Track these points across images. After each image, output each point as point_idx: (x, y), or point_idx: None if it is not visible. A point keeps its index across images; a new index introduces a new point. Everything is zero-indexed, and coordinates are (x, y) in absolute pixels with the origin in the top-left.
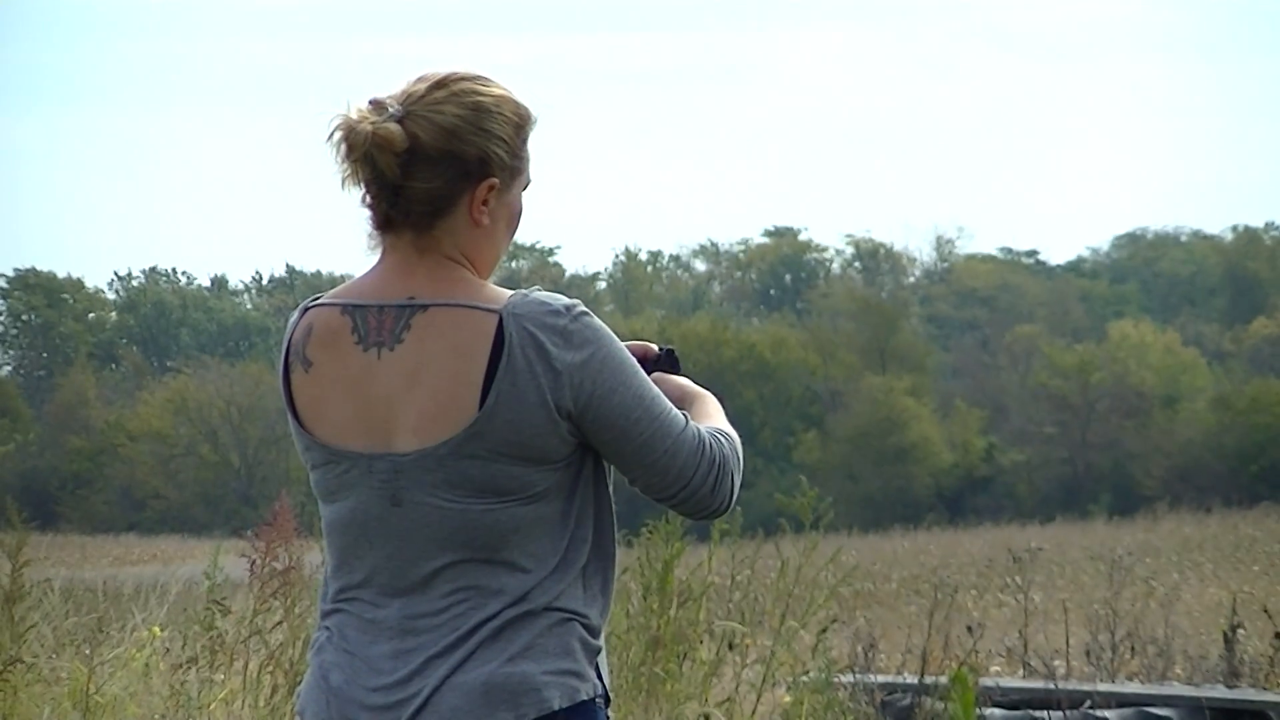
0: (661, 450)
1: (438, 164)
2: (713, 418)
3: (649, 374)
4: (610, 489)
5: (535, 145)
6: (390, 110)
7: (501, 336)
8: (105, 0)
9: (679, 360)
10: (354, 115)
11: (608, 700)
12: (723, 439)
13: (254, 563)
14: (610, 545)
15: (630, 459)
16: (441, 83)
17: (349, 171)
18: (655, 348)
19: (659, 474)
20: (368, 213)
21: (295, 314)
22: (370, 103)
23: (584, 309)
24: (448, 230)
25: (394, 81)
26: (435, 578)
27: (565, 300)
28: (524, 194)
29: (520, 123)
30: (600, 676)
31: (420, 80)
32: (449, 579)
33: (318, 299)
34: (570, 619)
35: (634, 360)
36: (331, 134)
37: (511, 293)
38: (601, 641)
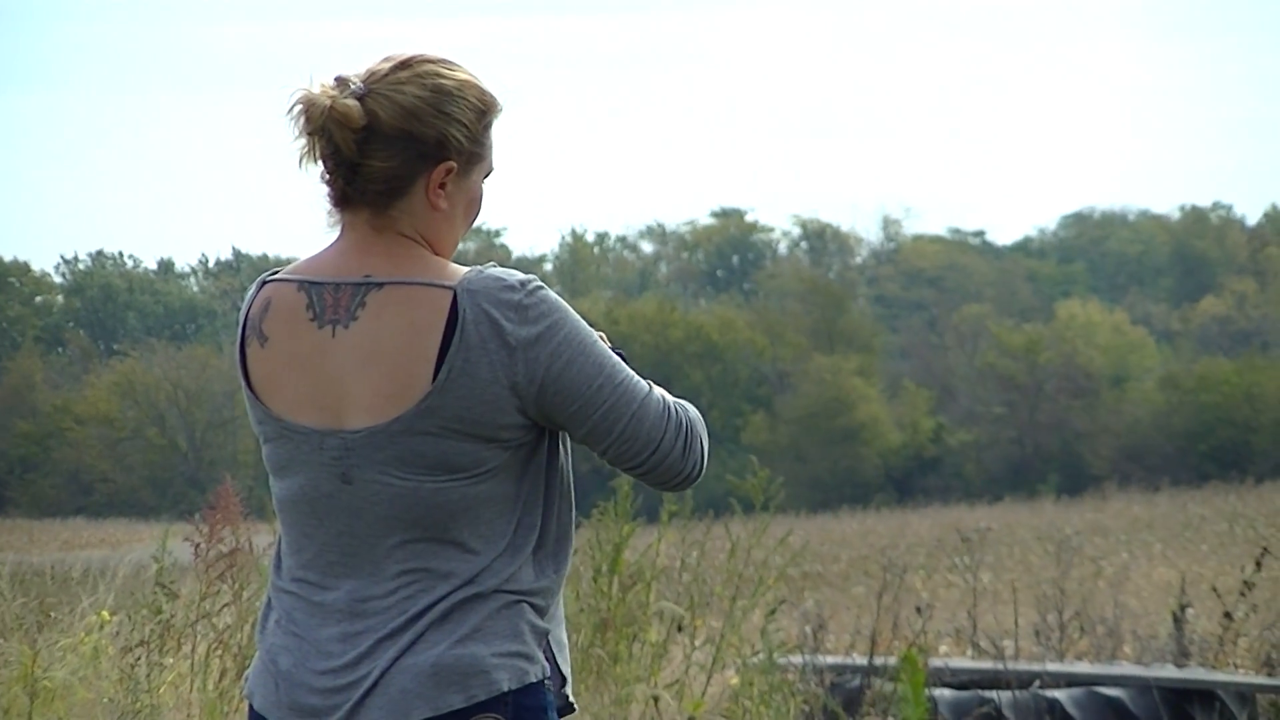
0: (629, 415)
1: (395, 143)
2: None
3: None
4: (569, 475)
5: (496, 131)
6: (352, 87)
7: (456, 313)
8: None
9: (629, 361)
10: (316, 90)
11: (564, 680)
12: (687, 405)
13: (198, 546)
14: (565, 529)
15: (597, 428)
16: (406, 63)
17: (306, 147)
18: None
19: (628, 441)
20: (326, 189)
21: (253, 287)
22: (335, 79)
23: (539, 283)
24: (405, 211)
25: (340, 66)
26: (385, 558)
27: (520, 275)
28: (485, 181)
29: (483, 109)
30: (555, 659)
31: (385, 60)
32: (398, 560)
33: (275, 273)
34: (519, 601)
35: (591, 330)
36: (291, 107)
37: (467, 269)
38: (549, 623)
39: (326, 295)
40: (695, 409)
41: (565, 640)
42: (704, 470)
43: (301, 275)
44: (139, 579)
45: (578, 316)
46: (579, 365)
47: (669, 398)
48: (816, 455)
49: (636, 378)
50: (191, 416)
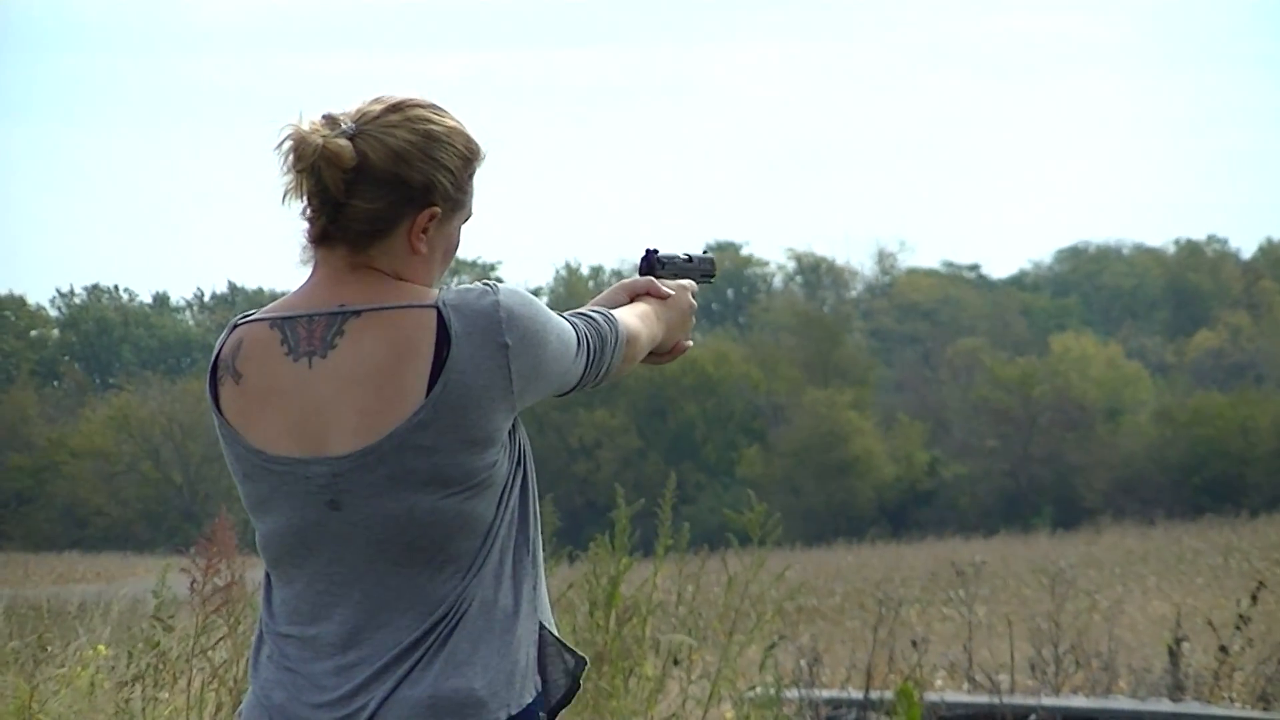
0: (578, 376)
1: (382, 185)
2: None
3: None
4: (535, 490)
5: (481, 174)
6: (343, 126)
7: (444, 328)
8: (43, 15)
9: (657, 263)
10: (306, 127)
11: (580, 666)
12: (597, 321)
13: (194, 580)
14: (539, 548)
15: (559, 388)
16: (397, 106)
17: (293, 183)
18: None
19: (570, 385)
20: (305, 225)
21: (224, 331)
22: (324, 117)
23: (499, 283)
24: (384, 251)
25: (331, 98)
26: (376, 585)
27: (480, 284)
28: (463, 227)
29: (469, 157)
30: (543, 672)
31: (376, 101)
32: (390, 586)
33: (247, 315)
34: (511, 623)
35: (544, 308)
36: (281, 143)
37: (436, 290)
38: (540, 616)
39: (300, 328)
40: (609, 320)
41: (552, 617)
42: (612, 368)
43: (273, 313)
44: (134, 613)
45: (535, 300)
46: (553, 349)
47: (584, 328)
48: (811, 488)
49: (580, 334)
50: (186, 450)
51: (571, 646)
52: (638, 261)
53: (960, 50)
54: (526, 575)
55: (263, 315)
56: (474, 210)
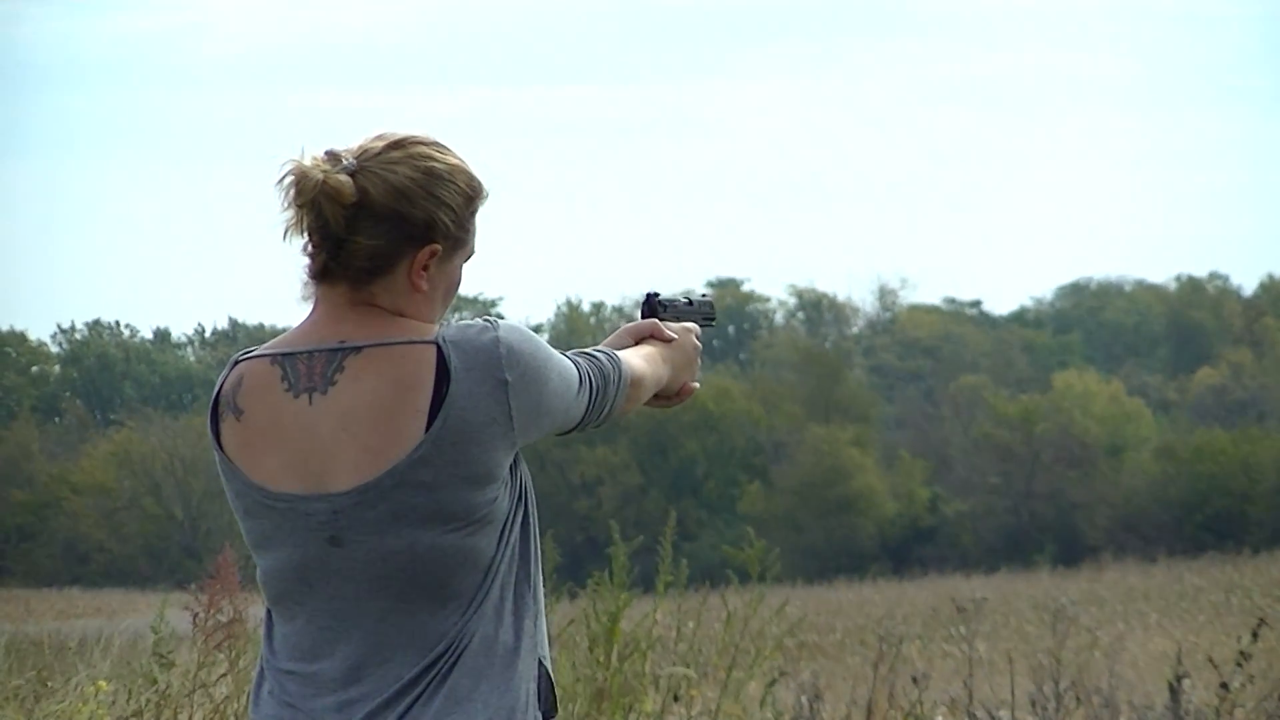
0: (581, 415)
1: (383, 222)
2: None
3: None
4: (536, 527)
5: (483, 215)
6: (344, 162)
7: (444, 364)
8: (41, 51)
9: (659, 306)
10: (307, 162)
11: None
12: (601, 360)
13: (196, 615)
14: (540, 584)
15: (561, 425)
16: (399, 143)
17: (294, 219)
18: (643, 300)
19: (572, 424)
20: (306, 261)
21: (226, 368)
22: (326, 153)
23: (499, 319)
24: (385, 288)
25: (334, 134)
26: (378, 622)
27: (480, 320)
28: (465, 265)
29: (471, 195)
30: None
31: (379, 138)
32: (391, 622)
33: (248, 352)
34: (511, 659)
35: (546, 345)
36: (282, 178)
37: (436, 326)
38: (539, 651)
39: (300, 365)
40: (613, 360)
41: (549, 655)
42: (615, 408)
43: (273, 350)
44: (135, 649)
45: (535, 337)
46: (554, 386)
47: (587, 369)
48: (812, 525)
49: (583, 372)
50: (187, 486)
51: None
52: (639, 301)
53: (961, 86)
54: (528, 611)
55: (264, 351)
56: (476, 248)
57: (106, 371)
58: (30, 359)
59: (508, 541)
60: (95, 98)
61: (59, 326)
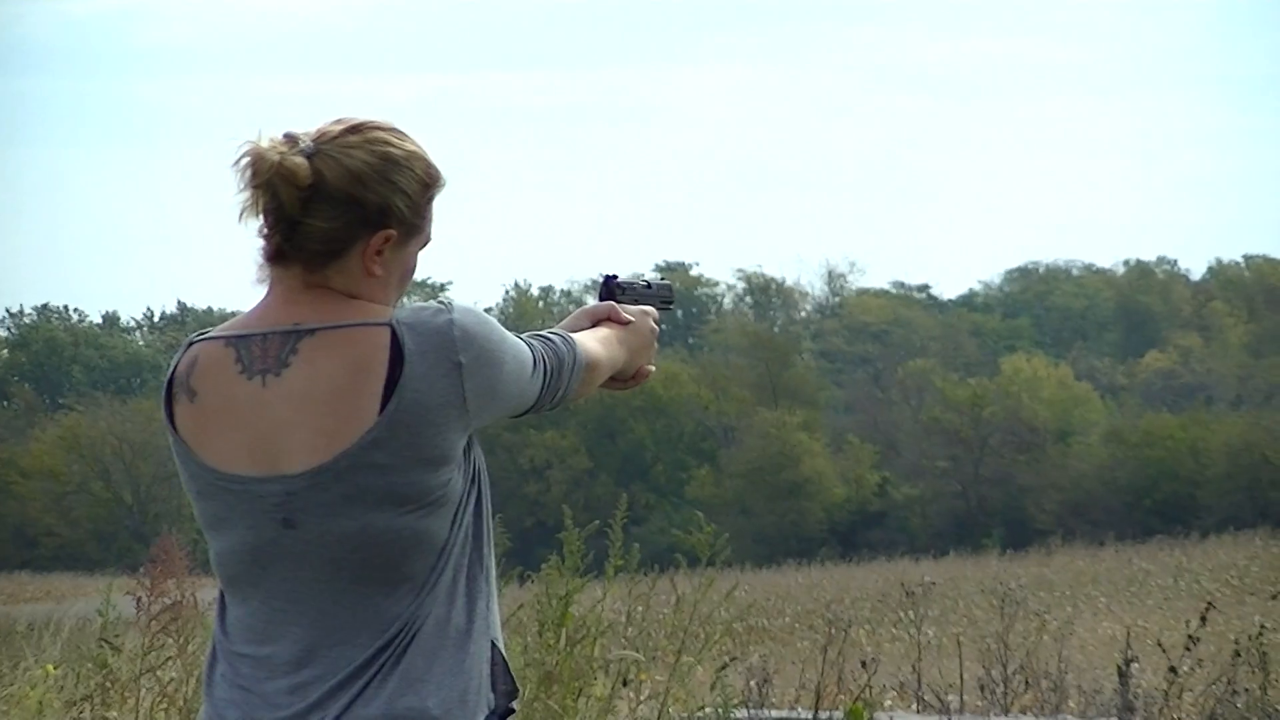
0: (534, 397)
1: (338, 205)
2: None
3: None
4: (490, 517)
5: (439, 203)
6: (301, 145)
7: (398, 346)
8: None
9: (617, 289)
10: (265, 144)
11: (512, 695)
12: (556, 343)
13: (139, 599)
14: (492, 566)
15: (515, 408)
16: (357, 128)
17: (249, 200)
18: (600, 282)
19: (526, 406)
20: (260, 243)
21: (180, 350)
22: (284, 135)
23: (454, 302)
24: (339, 272)
25: (288, 122)
26: (331, 604)
27: (434, 303)
28: (420, 252)
29: (428, 182)
30: (495, 687)
31: (337, 122)
32: (344, 604)
33: (203, 334)
34: (464, 641)
35: (500, 328)
36: (239, 159)
37: (390, 309)
38: (493, 634)
39: (254, 347)
40: (568, 343)
41: (501, 638)
42: (570, 391)
43: (228, 332)
44: (84, 633)
45: (490, 319)
46: (509, 369)
47: (542, 351)
48: (761, 509)
49: (538, 355)
50: (137, 470)
51: (511, 671)
52: (593, 284)
53: (910, 73)
54: (480, 593)
55: (218, 334)
56: (433, 235)
57: (55, 356)
58: None
59: (461, 524)
60: (42, 82)
61: (7, 311)
